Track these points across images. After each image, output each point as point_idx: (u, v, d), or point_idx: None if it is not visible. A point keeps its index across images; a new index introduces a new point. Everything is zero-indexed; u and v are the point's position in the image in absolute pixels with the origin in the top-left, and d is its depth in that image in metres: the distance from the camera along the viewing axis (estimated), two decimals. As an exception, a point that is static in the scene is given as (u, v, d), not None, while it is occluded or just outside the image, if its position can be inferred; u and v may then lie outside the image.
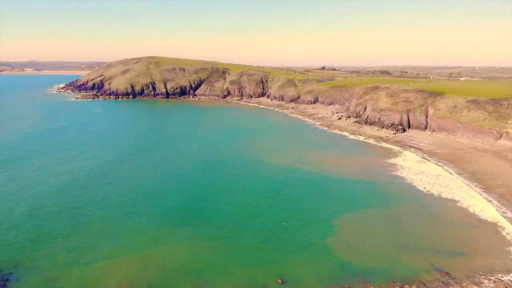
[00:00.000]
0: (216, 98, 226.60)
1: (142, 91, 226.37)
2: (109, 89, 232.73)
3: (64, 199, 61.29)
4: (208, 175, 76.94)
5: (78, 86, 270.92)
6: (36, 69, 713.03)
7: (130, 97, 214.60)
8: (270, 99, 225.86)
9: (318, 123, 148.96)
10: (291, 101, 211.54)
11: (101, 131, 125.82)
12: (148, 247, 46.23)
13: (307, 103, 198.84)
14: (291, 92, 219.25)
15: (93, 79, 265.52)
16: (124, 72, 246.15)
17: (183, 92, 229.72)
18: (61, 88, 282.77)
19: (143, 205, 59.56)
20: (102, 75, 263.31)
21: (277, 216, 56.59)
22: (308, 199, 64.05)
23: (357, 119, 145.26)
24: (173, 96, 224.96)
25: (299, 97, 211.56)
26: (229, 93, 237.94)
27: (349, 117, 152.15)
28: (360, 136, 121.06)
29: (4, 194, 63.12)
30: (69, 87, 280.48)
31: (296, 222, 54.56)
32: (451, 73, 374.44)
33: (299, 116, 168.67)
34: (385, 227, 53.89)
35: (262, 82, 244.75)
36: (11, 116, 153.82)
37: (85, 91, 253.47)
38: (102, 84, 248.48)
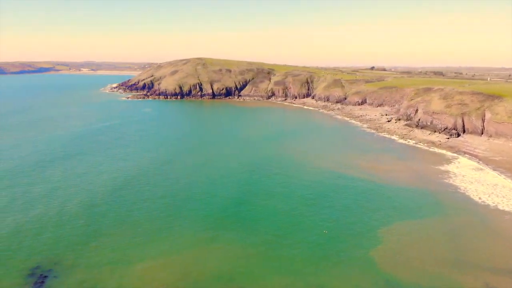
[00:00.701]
0: (261, 98, 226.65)
1: (190, 91, 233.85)
2: (159, 89, 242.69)
3: (112, 198, 64.19)
4: (251, 178, 77.48)
5: (129, 86, 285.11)
6: (92, 69, 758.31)
7: (178, 97, 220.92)
8: (315, 100, 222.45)
9: (365, 126, 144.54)
10: (337, 102, 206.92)
11: (150, 130, 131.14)
12: (189, 251, 46.85)
13: (354, 104, 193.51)
14: (337, 93, 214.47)
15: (143, 80, 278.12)
16: (173, 73, 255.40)
17: (228, 92, 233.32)
18: (114, 88, 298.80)
19: (186, 208, 60.92)
20: (152, 76, 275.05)
21: (319, 224, 55.44)
22: (353, 208, 62.24)
23: (408, 122, 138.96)
24: (218, 97, 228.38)
25: (345, 98, 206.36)
26: (273, 94, 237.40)
27: (399, 119, 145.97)
28: (410, 140, 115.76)
29: (56, 191, 66.76)
30: (121, 87, 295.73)
31: (339, 232, 53.17)
32: (510, 75, 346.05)
33: (346, 118, 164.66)
34: (435, 240, 51.00)
35: (307, 82, 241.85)
36: (66, 114, 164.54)
37: (136, 91, 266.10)
38: (152, 84, 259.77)
